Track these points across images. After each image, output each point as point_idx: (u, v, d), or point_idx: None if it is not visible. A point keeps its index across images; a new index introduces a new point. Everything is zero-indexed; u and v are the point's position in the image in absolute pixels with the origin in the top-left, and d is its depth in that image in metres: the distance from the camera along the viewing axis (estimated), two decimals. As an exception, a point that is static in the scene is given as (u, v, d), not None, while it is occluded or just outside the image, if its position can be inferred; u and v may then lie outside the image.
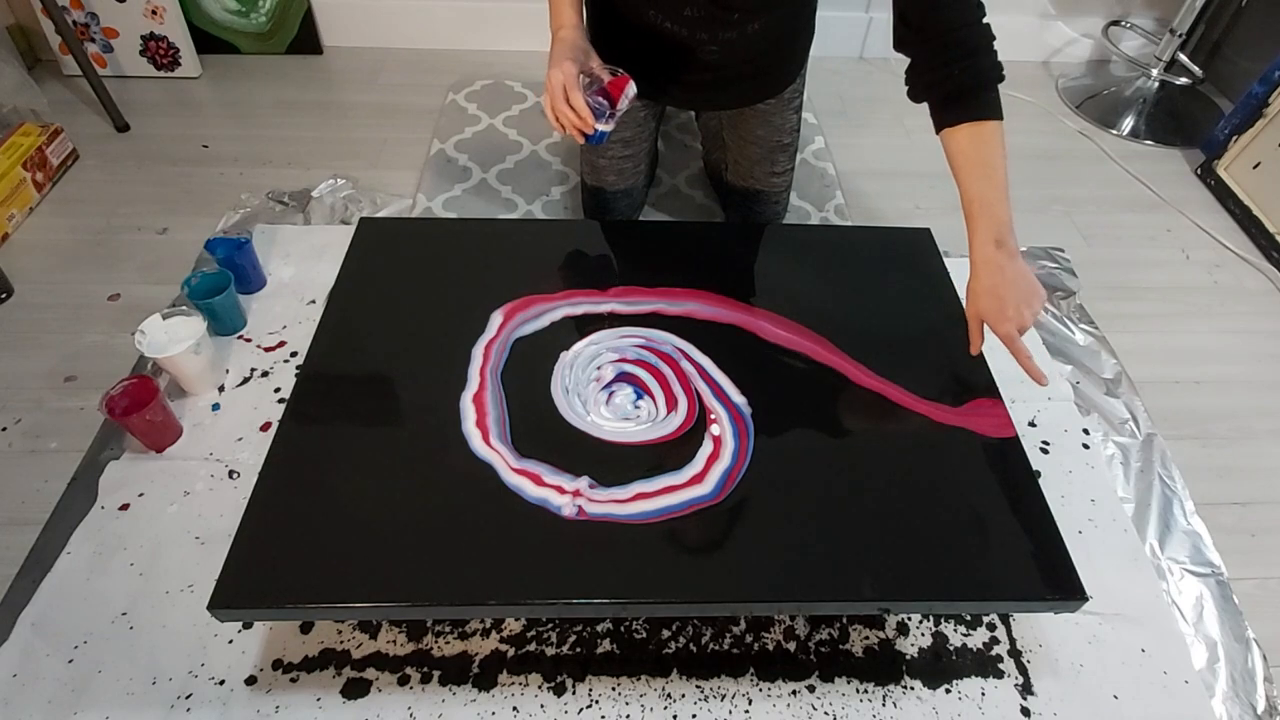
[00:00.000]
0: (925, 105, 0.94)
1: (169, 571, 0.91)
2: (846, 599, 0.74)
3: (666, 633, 0.89)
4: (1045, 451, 1.08)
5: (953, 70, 0.89)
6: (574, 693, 0.84)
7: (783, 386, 0.90)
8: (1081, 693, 0.86)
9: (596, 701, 0.84)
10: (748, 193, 1.31)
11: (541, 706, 0.83)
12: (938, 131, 0.92)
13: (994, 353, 0.90)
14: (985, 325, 0.89)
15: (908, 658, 0.89)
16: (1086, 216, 1.55)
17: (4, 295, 1.27)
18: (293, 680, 0.84)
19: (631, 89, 0.99)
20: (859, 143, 1.70)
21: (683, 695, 0.85)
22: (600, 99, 0.99)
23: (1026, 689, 0.86)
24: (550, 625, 0.89)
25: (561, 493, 0.77)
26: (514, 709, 0.83)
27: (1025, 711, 0.85)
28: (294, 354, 1.15)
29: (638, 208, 1.35)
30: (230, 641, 0.86)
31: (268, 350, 1.16)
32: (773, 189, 1.30)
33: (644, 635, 0.89)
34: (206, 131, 1.65)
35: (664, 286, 0.99)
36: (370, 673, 0.85)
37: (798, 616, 0.91)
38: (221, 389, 1.10)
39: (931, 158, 1.66)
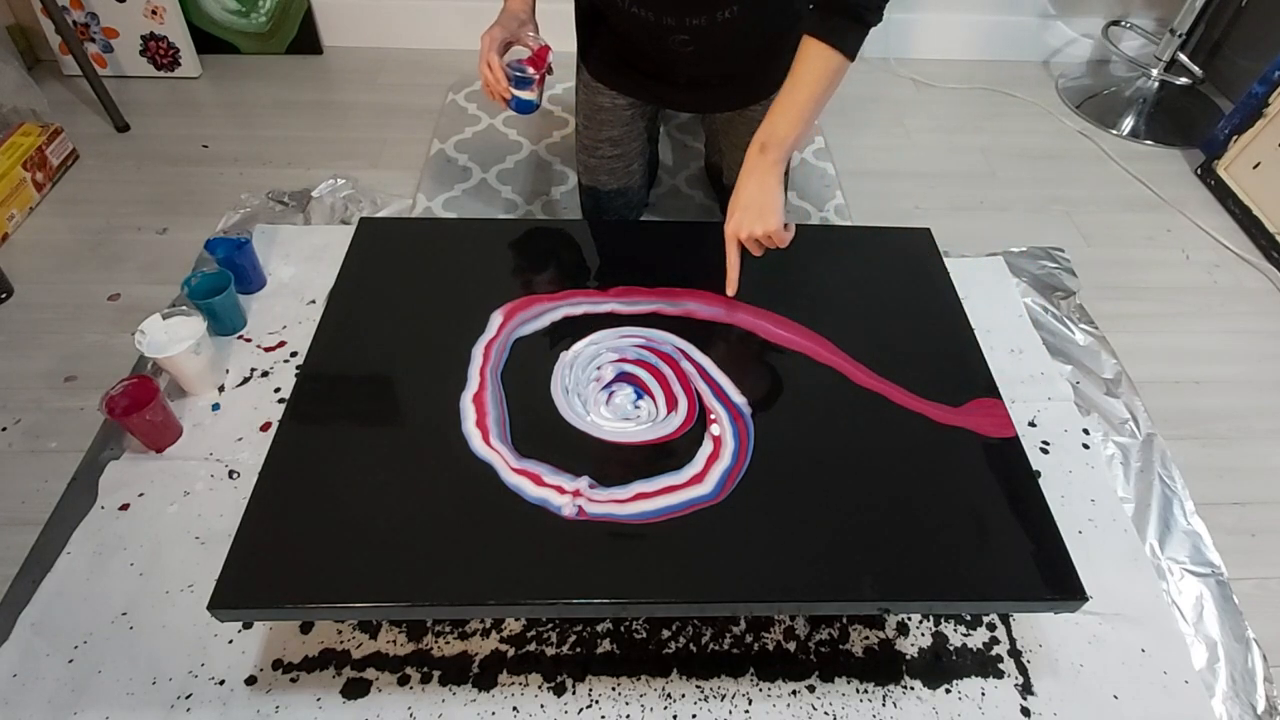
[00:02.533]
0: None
1: (169, 571, 0.91)
2: (846, 599, 0.74)
3: (666, 633, 0.89)
4: (1045, 451, 1.08)
5: None
6: (574, 693, 0.84)
7: (783, 386, 0.90)
8: (1081, 693, 0.86)
9: (596, 701, 0.84)
10: None
11: (541, 706, 0.83)
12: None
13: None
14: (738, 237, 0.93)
15: (908, 658, 0.89)
16: (1086, 216, 1.55)
17: (4, 295, 1.27)
18: (293, 680, 0.84)
19: (548, 57, 1.03)
20: (859, 143, 1.70)
21: (683, 695, 0.85)
22: (528, 67, 1.02)
23: (1026, 689, 0.86)
24: (550, 625, 0.89)
25: (561, 493, 0.77)
26: (514, 709, 0.83)
27: (1025, 711, 0.85)
28: (294, 354, 1.15)
29: (636, 208, 1.35)
30: (230, 641, 0.86)
31: (268, 350, 1.16)
32: None
33: (644, 635, 0.89)
34: (206, 131, 1.65)
35: (664, 286, 0.99)
36: (370, 673, 0.85)
37: (798, 616, 0.91)
38: (221, 389, 1.10)
39: (931, 158, 1.68)
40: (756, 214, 0.91)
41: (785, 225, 0.93)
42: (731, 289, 0.96)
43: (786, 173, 1.30)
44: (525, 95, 1.04)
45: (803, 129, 0.92)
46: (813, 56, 0.89)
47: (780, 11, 1.06)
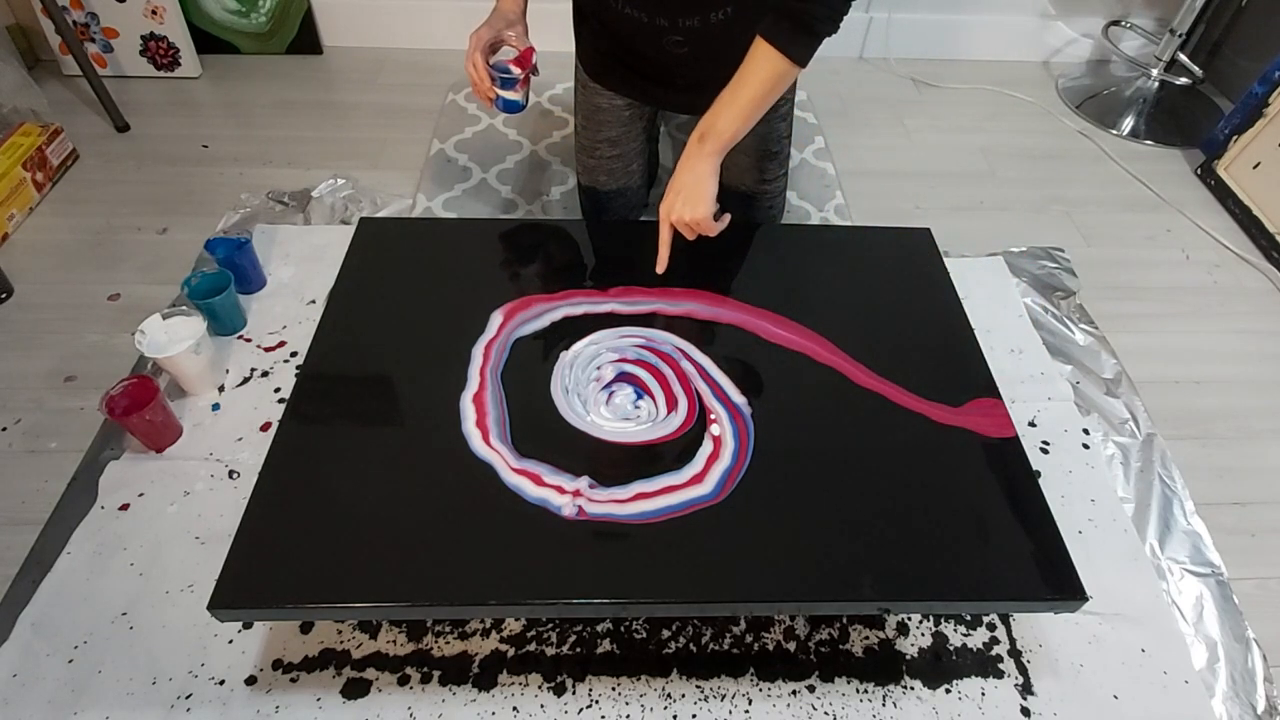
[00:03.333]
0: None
1: (169, 571, 0.91)
2: (846, 599, 0.74)
3: (666, 633, 0.89)
4: (1045, 451, 1.08)
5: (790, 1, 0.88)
6: (574, 693, 0.84)
7: (783, 386, 0.90)
8: (1081, 693, 0.86)
9: (596, 701, 0.84)
10: (741, 196, 1.31)
11: (541, 706, 0.83)
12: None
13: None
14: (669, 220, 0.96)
15: (908, 658, 0.89)
16: (1086, 216, 1.55)
17: (4, 295, 1.27)
18: (293, 680, 0.84)
19: (533, 59, 1.03)
20: (859, 143, 1.70)
21: (683, 695, 0.85)
22: (512, 67, 1.03)
23: (1026, 689, 0.86)
24: (550, 625, 0.89)
25: (561, 493, 0.77)
26: (514, 709, 0.83)
27: (1025, 711, 0.85)
28: (294, 354, 1.15)
29: (636, 208, 1.35)
30: (230, 641, 0.86)
31: (268, 350, 1.16)
32: (764, 194, 1.30)
33: (644, 635, 0.89)
34: (206, 131, 1.65)
35: (664, 286, 0.99)
36: (370, 673, 0.85)
37: (798, 616, 0.91)
38: (221, 389, 1.10)
39: (931, 157, 1.68)
40: (687, 200, 0.94)
41: (716, 217, 0.97)
42: (660, 267, 0.99)
43: (786, 173, 1.31)
44: (510, 95, 1.05)
45: (742, 126, 0.94)
46: (762, 59, 0.90)
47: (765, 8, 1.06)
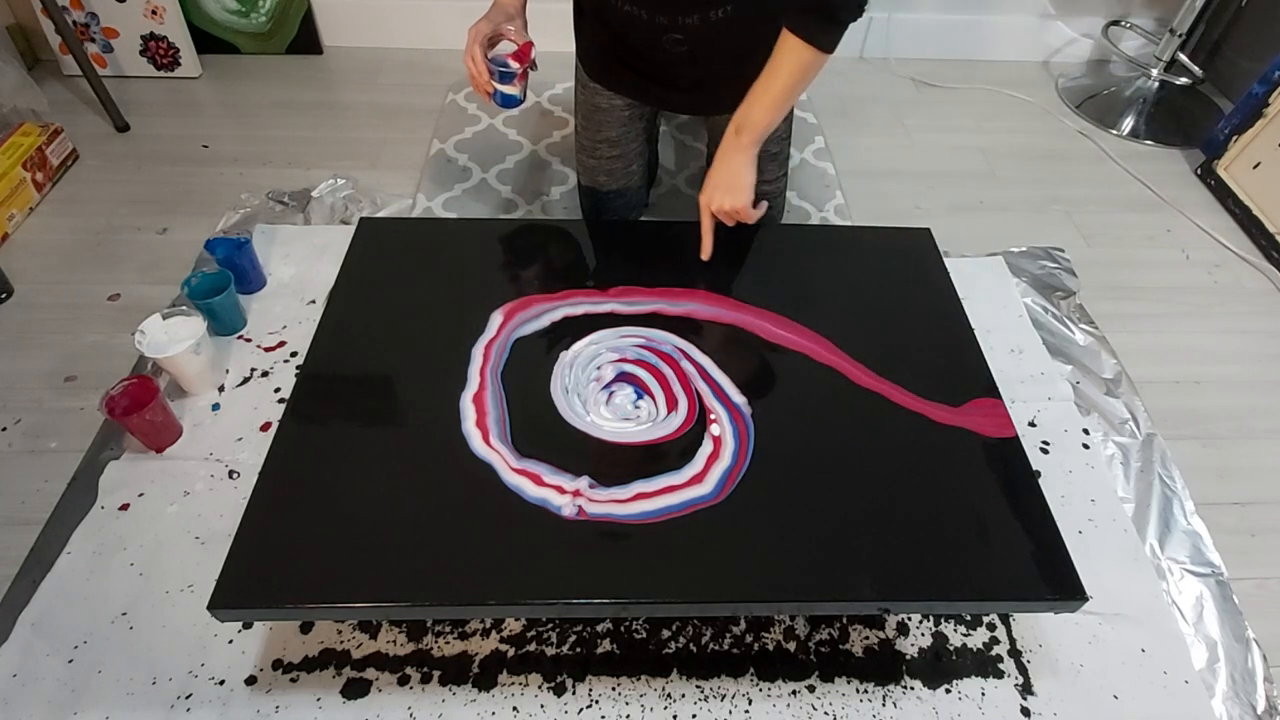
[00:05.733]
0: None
1: (169, 571, 0.91)
2: (846, 599, 0.74)
3: (666, 633, 0.89)
4: (1045, 451, 1.08)
5: None
6: (574, 693, 0.84)
7: (783, 386, 0.90)
8: (1081, 693, 0.86)
9: (596, 701, 0.84)
10: None
11: (541, 706, 0.83)
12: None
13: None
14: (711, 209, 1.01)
15: (908, 658, 0.89)
16: (1086, 216, 1.55)
17: (4, 295, 1.27)
18: (293, 680, 0.84)
19: (531, 53, 1.04)
20: (859, 143, 1.70)
21: (683, 695, 0.85)
22: (511, 61, 1.03)
23: (1026, 689, 0.86)
24: (550, 625, 0.89)
25: (561, 493, 0.77)
26: (514, 709, 0.83)
27: (1025, 711, 0.85)
28: (294, 354, 1.15)
29: (636, 208, 1.35)
30: (230, 641, 0.86)
31: (268, 350, 1.16)
32: (763, 195, 1.29)
33: (644, 635, 0.89)
34: (206, 131, 1.65)
35: (664, 286, 0.99)
36: (370, 673, 0.85)
37: (798, 616, 0.91)
38: (221, 389, 1.10)
39: (931, 157, 1.68)
40: (727, 190, 0.99)
41: (755, 204, 1.01)
42: (705, 254, 1.02)
43: (786, 173, 1.31)
44: (508, 90, 1.05)
45: (776, 116, 0.98)
46: (790, 50, 0.93)
47: (775, 12, 1.05)
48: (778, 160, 1.26)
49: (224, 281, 1.14)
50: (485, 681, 0.85)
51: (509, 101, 1.07)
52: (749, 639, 0.89)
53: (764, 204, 1.03)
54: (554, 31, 1.26)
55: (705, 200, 1.01)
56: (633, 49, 1.10)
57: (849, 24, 0.91)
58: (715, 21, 1.00)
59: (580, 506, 0.76)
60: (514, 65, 1.03)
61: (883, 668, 0.88)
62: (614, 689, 0.85)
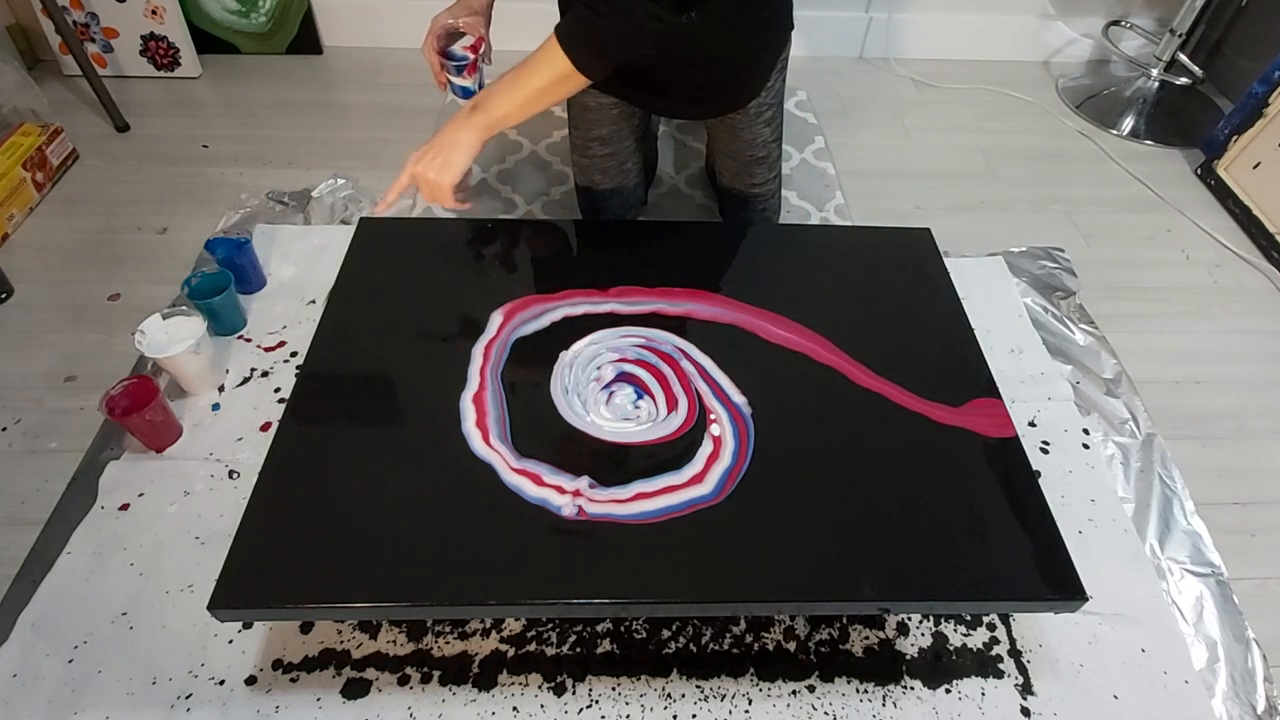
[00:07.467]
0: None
1: (169, 571, 0.91)
2: (846, 599, 0.74)
3: (666, 633, 0.89)
4: (1045, 451, 1.08)
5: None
6: (574, 693, 0.84)
7: (783, 386, 0.90)
8: (1081, 693, 0.86)
9: (596, 701, 0.84)
10: (736, 198, 1.31)
11: (541, 706, 0.83)
12: None
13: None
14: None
15: (908, 658, 0.89)
16: (1086, 216, 1.55)
17: (4, 295, 1.27)
18: (293, 680, 0.84)
19: (483, 47, 1.08)
20: (859, 143, 1.70)
21: (683, 695, 0.85)
22: (462, 51, 1.07)
23: (1026, 689, 0.86)
24: (550, 625, 0.89)
25: (561, 493, 0.77)
26: (514, 709, 0.83)
27: (1025, 711, 0.85)
28: (294, 354, 1.15)
29: (633, 207, 1.35)
30: (230, 641, 0.86)
31: (268, 350, 1.16)
32: (756, 198, 1.29)
33: (644, 635, 0.89)
34: (206, 131, 1.65)
35: (664, 286, 0.99)
36: (370, 673, 0.85)
37: (798, 616, 0.91)
38: (221, 389, 1.10)
39: (931, 157, 1.68)
40: (436, 159, 0.95)
41: (461, 197, 0.98)
42: (381, 208, 0.98)
43: (778, 175, 1.31)
44: (460, 82, 1.09)
45: (515, 114, 0.94)
46: (551, 55, 0.91)
47: (740, 13, 1.04)
48: (765, 164, 1.25)
49: (224, 281, 1.14)
50: (485, 681, 0.85)
51: (464, 94, 1.10)
52: (749, 639, 0.89)
53: (468, 204, 1.00)
54: (546, 32, 1.26)
55: (414, 160, 0.96)
56: None
57: (615, 60, 0.90)
58: (680, 27, 0.97)
59: (580, 506, 0.76)
60: (464, 56, 1.07)
61: (883, 668, 0.88)
62: (614, 689, 0.85)
